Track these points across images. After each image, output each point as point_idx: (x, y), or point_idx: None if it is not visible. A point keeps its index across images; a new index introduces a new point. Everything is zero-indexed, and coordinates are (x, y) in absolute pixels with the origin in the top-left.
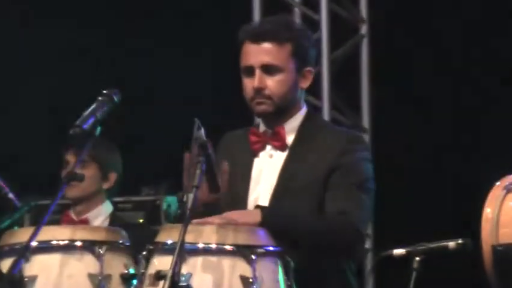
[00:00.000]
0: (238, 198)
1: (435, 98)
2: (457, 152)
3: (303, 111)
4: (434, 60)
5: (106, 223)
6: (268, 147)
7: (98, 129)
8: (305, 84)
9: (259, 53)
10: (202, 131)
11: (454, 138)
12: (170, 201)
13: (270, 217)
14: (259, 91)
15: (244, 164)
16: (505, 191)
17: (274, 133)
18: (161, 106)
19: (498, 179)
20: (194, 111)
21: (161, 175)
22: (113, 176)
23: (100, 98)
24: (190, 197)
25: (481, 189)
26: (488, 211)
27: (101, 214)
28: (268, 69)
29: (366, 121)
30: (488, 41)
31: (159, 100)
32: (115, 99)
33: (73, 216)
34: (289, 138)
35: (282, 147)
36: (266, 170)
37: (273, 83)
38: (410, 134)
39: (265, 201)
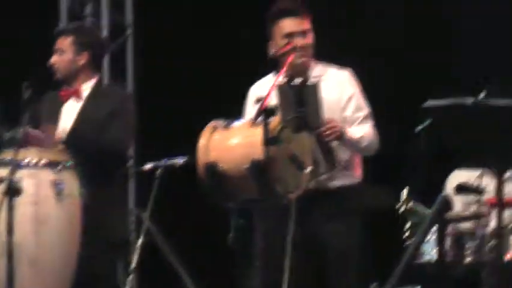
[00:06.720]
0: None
1: None
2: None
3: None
4: None
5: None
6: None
7: None
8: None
9: None
10: (31, 91)
11: (217, 63)
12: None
13: (70, 139)
14: None
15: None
16: (212, 129)
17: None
18: None
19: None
20: None
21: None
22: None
23: None
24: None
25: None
26: (202, 141)
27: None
28: None
29: (130, 86)
30: None
31: None
32: None
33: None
34: (85, 93)
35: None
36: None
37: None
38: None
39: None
